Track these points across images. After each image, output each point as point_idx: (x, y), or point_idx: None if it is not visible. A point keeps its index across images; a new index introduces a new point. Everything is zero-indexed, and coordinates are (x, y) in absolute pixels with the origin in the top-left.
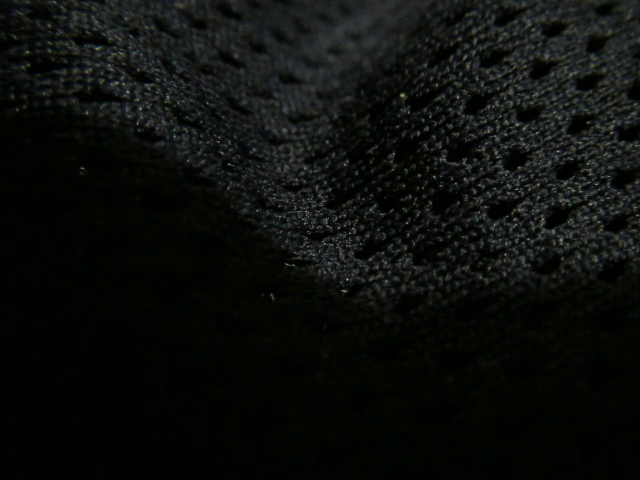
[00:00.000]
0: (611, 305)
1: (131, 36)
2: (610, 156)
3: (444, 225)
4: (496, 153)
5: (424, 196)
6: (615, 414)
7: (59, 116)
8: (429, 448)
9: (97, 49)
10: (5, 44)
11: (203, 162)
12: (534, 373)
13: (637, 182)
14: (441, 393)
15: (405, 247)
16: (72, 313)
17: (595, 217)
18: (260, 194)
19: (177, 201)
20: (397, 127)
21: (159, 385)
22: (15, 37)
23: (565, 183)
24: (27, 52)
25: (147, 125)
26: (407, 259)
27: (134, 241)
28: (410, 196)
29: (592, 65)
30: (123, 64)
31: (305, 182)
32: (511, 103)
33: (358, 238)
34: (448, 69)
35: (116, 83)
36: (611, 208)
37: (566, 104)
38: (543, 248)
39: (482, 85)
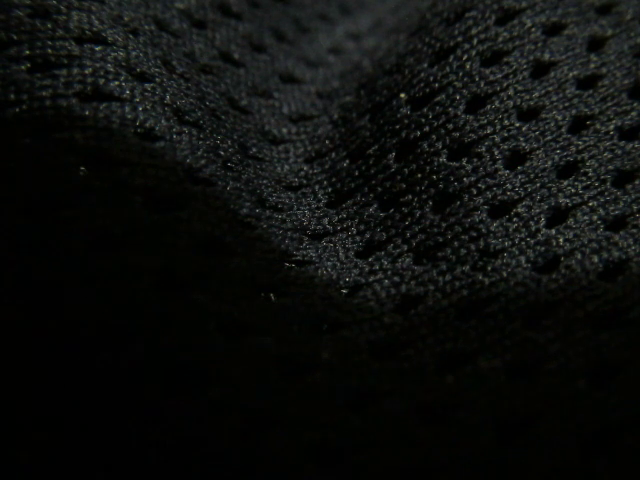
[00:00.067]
0: (611, 305)
1: (131, 36)
2: (610, 156)
3: (444, 225)
4: (496, 153)
5: (424, 196)
6: (615, 414)
7: (59, 116)
8: (429, 448)
9: (97, 49)
10: (5, 44)
11: (203, 162)
12: (534, 373)
13: (637, 182)
14: (441, 393)
15: (405, 247)
16: (72, 313)
17: (595, 217)
18: (260, 194)
19: (177, 201)
20: (397, 127)
21: (159, 385)
22: (15, 37)
23: (565, 183)
24: (27, 52)
25: (147, 125)
26: (407, 259)
27: (134, 241)
28: (410, 196)
29: (592, 65)
30: (123, 64)
31: (305, 182)
32: (511, 103)
33: (358, 238)
34: (448, 69)
35: (116, 83)
36: (611, 208)
37: (566, 104)
38: (543, 248)
39: (482, 85)
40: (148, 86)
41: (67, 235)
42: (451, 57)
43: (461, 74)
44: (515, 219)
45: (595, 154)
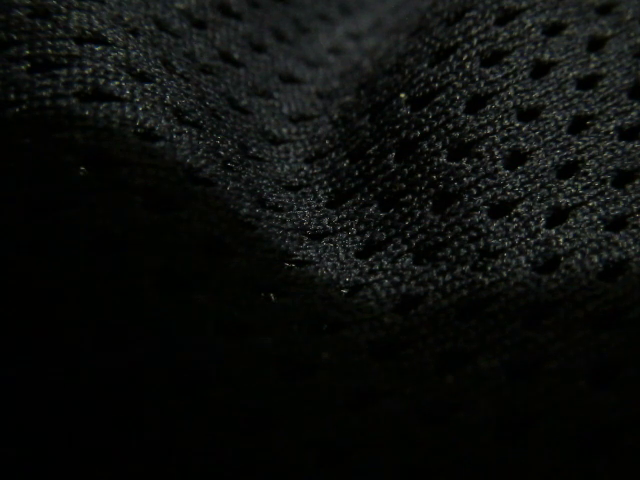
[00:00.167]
0: (611, 305)
1: (131, 36)
2: (610, 156)
3: (444, 225)
4: (496, 153)
5: (424, 196)
6: (615, 414)
7: (59, 116)
8: (429, 448)
9: (97, 49)
10: (5, 44)
11: (203, 162)
12: (534, 373)
13: (637, 182)
14: (441, 393)
15: (405, 247)
16: (72, 313)
17: (595, 217)
18: (260, 194)
19: (177, 201)
20: (397, 127)
21: (159, 385)
22: (15, 37)
23: (565, 183)
24: (27, 52)
25: (147, 125)
26: (407, 259)
27: (134, 241)
28: (410, 196)
29: (592, 65)
30: (123, 64)
31: (305, 182)
32: (511, 103)
33: (358, 238)
34: (448, 69)
35: (116, 83)
36: (611, 208)
37: (566, 104)
38: (543, 248)
39: (482, 85)
40: (148, 86)
41: (67, 235)
42: (451, 57)
43: (461, 74)
44: (515, 219)
45: (595, 154)
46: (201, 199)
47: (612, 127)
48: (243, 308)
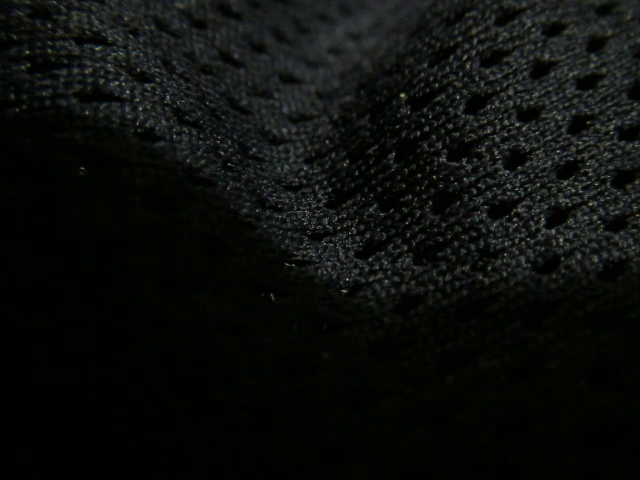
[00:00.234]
0: (611, 305)
1: (131, 36)
2: (610, 156)
3: (444, 225)
4: (496, 153)
5: (424, 196)
6: (615, 414)
7: (59, 116)
8: (429, 448)
9: (97, 49)
10: (5, 44)
11: (203, 162)
12: (534, 373)
13: (637, 182)
14: (441, 393)
15: (405, 247)
16: (72, 313)
17: (595, 217)
18: (260, 194)
19: (177, 201)
20: (397, 127)
21: (159, 385)
22: (15, 37)
23: (565, 183)
24: (27, 52)
25: (147, 125)
26: (407, 259)
27: (134, 241)
28: (410, 196)
29: (592, 65)
30: (123, 64)
31: (305, 182)
32: (511, 103)
33: (358, 238)
34: (448, 69)
35: (116, 83)
36: (611, 208)
37: (566, 104)
38: (543, 248)
39: (482, 85)
40: (148, 86)
41: (67, 235)
42: (451, 57)
43: (461, 74)
44: (515, 219)
45: (595, 154)
46: (201, 199)
47: (612, 127)
48: (243, 308)
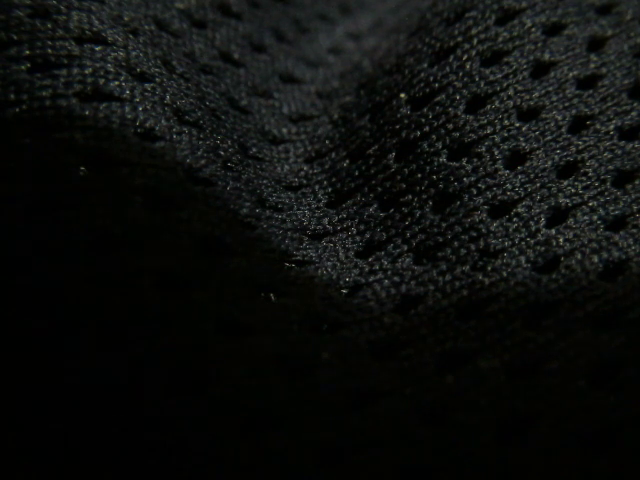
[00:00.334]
0: (611, 305)
1: (131, 36)
2: (610, 156)
3: (444, 225)
4: (496, 153)
5: (424, 196)
6: (615, 414)
7: (59, 116)
8: (429, 448)
9: (97, 49)
10: (5, 44)
11: (203, 162)
12: (534, 373)
13: (637, 182)
14: (441, 393)
15: (405, 247)
16: (72, 313)
17: (595, 217)
18: (260, 194)
19: (177, 201)
20: (397, 127)
21: (159, 385)
22: (15, 37)
23: (565, 183)
24: (27, 52)
25: (147, 125)
26: (407, 259)
27: (134, 241)
28: (410, 196)
29: (592, 65)
30: (123, 64)
31: (305, 182)
32: (511, 103)
33: (358, 238)
34: (448, 69)
35: (116, 83)
36: (611, 208)
37: (566, 104)
38: (543, 248)
39: (482, 85)
40: (148, 86)
41: (67, 235)
42: (451, 57)
43: (461, 74)
44: (515, 219)
45: (595, 154)
46: (201, 199)
47: (612, 127)
48: (243, 308)
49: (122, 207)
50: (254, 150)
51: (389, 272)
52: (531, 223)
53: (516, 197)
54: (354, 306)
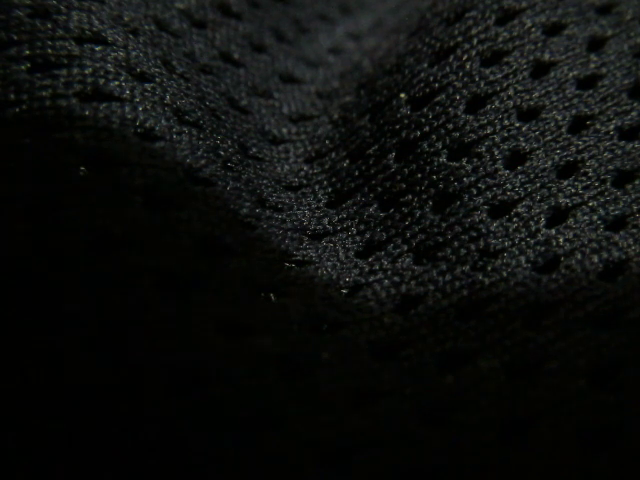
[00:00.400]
0: (611, 305)
1: (131, 36)
2: (610, 156)
3: (444, 225)
4: (496, 153)
5: (424, 196)
6: (615, 414)
7: (59, 116)
8: (429, 448)
9: (97, 49)
10: (5, 44)
11: (203, 162)
12: (534, 373)
13: (637, 182)
14: (441, 393)
15: (405, 247)
16: (72, 313)
17: (595, 217)
18: (260, 194)
19: (177, 201)
20: (397, 127)
21: (159, 385)
22: (15, 37)
23: (565, 183)
24: (27, 52)
25: (147, 125)
26: (407, 259)
27: (134, 241)
28: (410, 196)
29: (592, 65)
30: (123, 64)
31: (305, 182)
32: (511, 103)
33: (358, 238)
34: (448, 69)
35: (116, 83)
36: (611, 208)
37: (566, 104)
38: (543, 248)
39: (482, 85)
40: (148, 86)
41: (67, 235)
42: (451, 57)
43: (461, 74)
44: (515, 219)
45: (595, 154)
46: (201, 199)
47: (612, 127)
48: (243, 308)
49: (122, 207)
50: (254, 150)
51: (389, 272)
52: (531, 223)
53: (516, 197)
54: (354, 306)
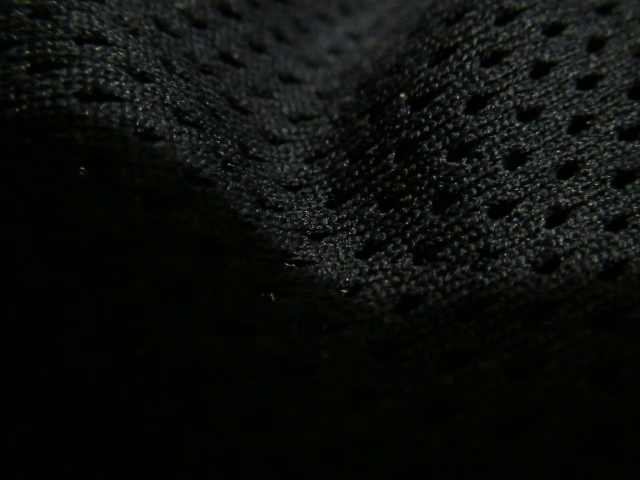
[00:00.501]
0: (611, 305)
1: (131, 36)
2: (610, 156)
3: (444, 225)
4: (496, 153)
5: (424, 196)
6: (615, 414)
7: (59, 116)
8: (429, 448)
9: (97, 49)
10: (5, 44)
11: (203, 162)
12: (534, 373)
13: (637, 182)
14: (441, 393)
15: (405, 247)
16: (72, 313)
17: (595, 217)
18: (260, 194)
19: (177, 201)
20: (397, 127)
21: (159, 385)
22: (15, 37)
23: (565, 183)
24: (27, 52)
25: (147, 125)
26: (407, 259)
27: (134, 241)
28: (410, 196)
29: (592, 65)
30: (123, 64)
31: (305, 182)
32: (511, 103)
33: (358, 238)
34: (448, 69)
35: (116, 83)
36: (611, 208)
37: (566, 104)
38: (543, 248)
39: (482, 85)
40: (148, 86)
41: (67, 235)
42: (451, 57)
43: (461, 74)
44: (515, 219)
45: (595, 154)
46: (201, 199)
47: (612, 127)
48: (243, 308)
49: (122, 207)
50: (254, 150)
51: (389, 272)
52: (531, 223)
53: (516, 197)
54: (354, 306)
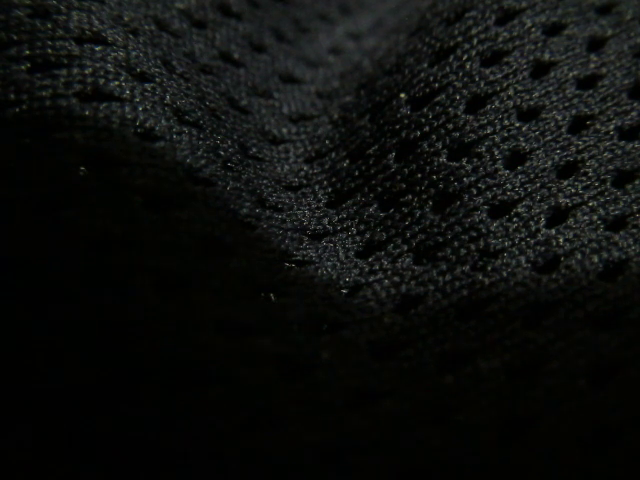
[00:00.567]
0: (611, 305)
1: (131, 36)
2: (610, 156)
3: (444, 225)
4: (496, 153)
5: (424, 196)
6: (615, 414)
7: (59, 116)
8: (429, 448)
9: (97, 49)
10: (5, 44)
11: (203, 162)
12: (534, 373)
13: (637, 182)
14: (441, 393)
15: (405, 247)
16: (72, 313)
17: (595, 217)
18: (260, 194)
19: (177, 201)
20: (397, 127)
21: (159, 385)
22: (15, 37)
23: (565, 183)
24: (27, 52)
25: (147, 125)
26: (407, 259)
27: (134, 241)
28: (410, 196)
29: (592, 65)
30: (123, 64)
31: (305, 182)
32: (511, 103)
33: (358, 238)
34: (448, 69)
35: (116, 83)
36: (611, 208)
37: (566, 104)
38: (543, 248)
39: (482, 85)
40: (148, 86)
41: (67, 235)
42: (451, 57)
43: (461, 74)
44: (515, 219)
45: (595, 154)
46: (201, 199)
47: (612, 127)
48: (243, 308)
49: (122, 207)
50: (254, 150)
51: (389, 272)
52: (531, 223)
53: (516, 197)
54: (354, 306)
